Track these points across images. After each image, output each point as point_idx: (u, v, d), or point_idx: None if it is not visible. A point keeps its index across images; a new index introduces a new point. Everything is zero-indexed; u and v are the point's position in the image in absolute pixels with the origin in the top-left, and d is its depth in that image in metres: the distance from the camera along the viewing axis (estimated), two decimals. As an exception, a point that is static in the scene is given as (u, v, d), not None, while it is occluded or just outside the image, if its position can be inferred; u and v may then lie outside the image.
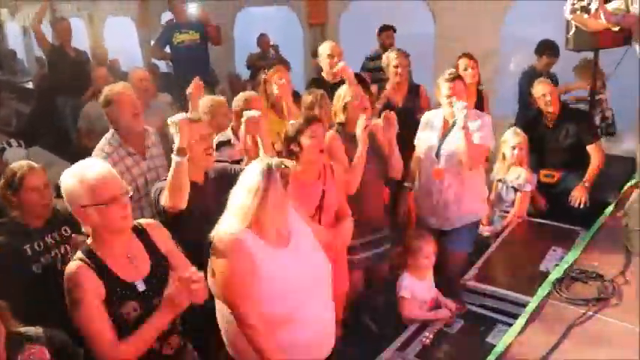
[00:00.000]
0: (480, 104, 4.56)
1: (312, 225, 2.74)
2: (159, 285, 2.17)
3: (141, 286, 2.14)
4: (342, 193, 3.20)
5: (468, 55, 4.58)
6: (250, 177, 2.26)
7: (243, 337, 2.26)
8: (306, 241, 2.45)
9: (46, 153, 5.68)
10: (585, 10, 2.99)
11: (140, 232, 2.25)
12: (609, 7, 3.20)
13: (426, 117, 3.83)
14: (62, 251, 2.77)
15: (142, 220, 2.34)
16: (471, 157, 3.48)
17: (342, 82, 4.07)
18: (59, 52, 6.47)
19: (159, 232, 2.32)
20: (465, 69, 4.54)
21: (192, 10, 6.37)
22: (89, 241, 2.14)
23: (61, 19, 6.53)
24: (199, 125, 2.87)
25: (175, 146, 2.62)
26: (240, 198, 2.26)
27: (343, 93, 3.53)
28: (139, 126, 3.46)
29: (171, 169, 2.62)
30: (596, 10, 2.96)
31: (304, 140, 2.98)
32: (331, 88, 3.97)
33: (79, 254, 2.11)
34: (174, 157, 2.60)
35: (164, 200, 2.68)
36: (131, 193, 2.15)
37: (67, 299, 2.03)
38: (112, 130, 3.45)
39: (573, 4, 3.03)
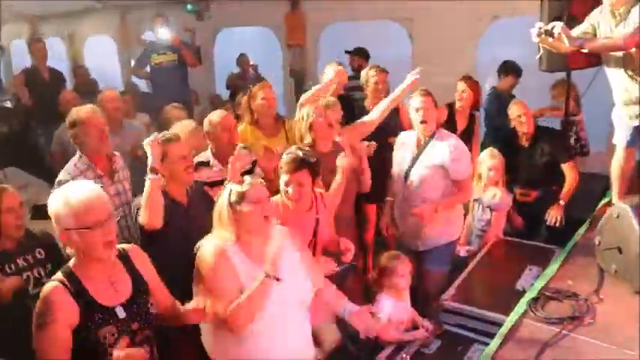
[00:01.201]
0: (470, 127, 4.62)
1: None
2: (138, 311, 2.16)
3: (121, 313, 2.10)
4: (331, 222, 3.23)
5: (467, 78, 4.63)
6: (226, 194, 2.39)
7: (230, 350, 2.35)
8: (291, 268, 2.43)
9: (22, 173, 5.59)
10: (549, 33, 3.06)
11: (122, 257, 2.23)
12: (577, 30, 3.28)
13: (400, 137, 3.85)
14: (35, 274, 2.72)
15: (125, 245, 2.32)
16: (460, 199, 3.69)
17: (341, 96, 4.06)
18: (34, 72, 6.42)
19: (141, 257, 2.31)
20: (463, 91, 4.64)
21: (163, 35, 6.27)
22: (72, 262, 2.11)
23: (37, 40, 6.47)
24: (179, 145, 2.98)
25: (148, 165, 2.80)
26: (221, 212, 2.39)
27: (306, 113, 3.48)
28: (106, 149, 3.43)
29: (145, 187, 2.79)
30: (559, 34, 3.03)
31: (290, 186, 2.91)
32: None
33: (59, 275, 2.08)
34: (148, 175, 2.79)
35: (141, 218, 2.81)
36: (118, 218, 2.16)
37: (35, 319, 1.98)
38: (78, 153, 3.39)
39: (540, 28, 3.11)
